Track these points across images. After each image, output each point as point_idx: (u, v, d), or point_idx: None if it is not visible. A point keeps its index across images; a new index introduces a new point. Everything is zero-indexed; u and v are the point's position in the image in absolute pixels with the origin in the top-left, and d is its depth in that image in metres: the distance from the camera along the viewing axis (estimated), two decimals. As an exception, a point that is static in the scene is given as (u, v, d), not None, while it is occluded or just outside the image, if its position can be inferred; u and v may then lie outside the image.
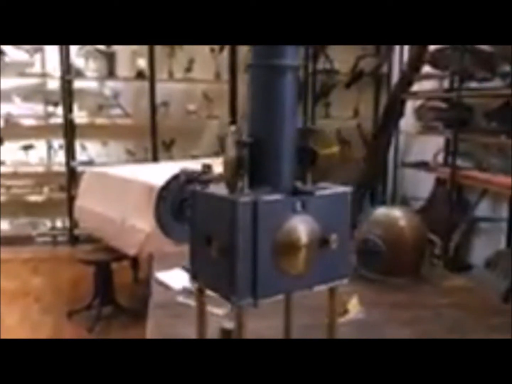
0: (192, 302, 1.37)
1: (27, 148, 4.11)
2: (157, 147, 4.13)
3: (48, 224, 4.32)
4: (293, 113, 0.77)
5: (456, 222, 2.90)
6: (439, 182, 3.28)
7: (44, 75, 4.09)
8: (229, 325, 1.24)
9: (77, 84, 4.12)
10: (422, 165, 3.41)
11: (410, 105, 3.66)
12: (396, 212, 1.64)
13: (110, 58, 4.05)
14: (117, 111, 4.16)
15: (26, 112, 4.05)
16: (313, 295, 1.41)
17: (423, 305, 1.40)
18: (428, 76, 3.42)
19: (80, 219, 2.96)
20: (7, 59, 3.98)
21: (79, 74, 4.06)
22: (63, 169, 4.08)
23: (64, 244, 4.17)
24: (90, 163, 4.10)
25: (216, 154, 4.22)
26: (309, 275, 0.76)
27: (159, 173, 2.93)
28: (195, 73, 4.16)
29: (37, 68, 4.08)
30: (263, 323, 1.20)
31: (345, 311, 1.31)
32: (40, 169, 4.15)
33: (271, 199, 0.72)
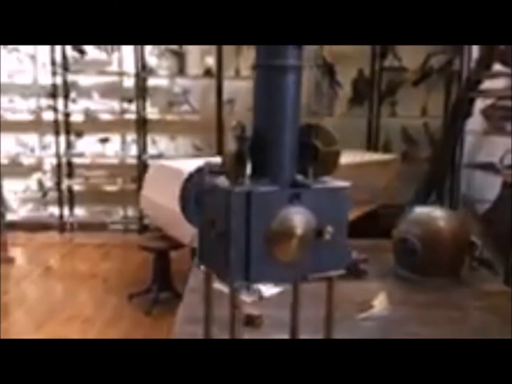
0: (225, 288, 1.45)
1: (103, 141, 4.42)
2: (222, 142, 4.27)
3: (121, 212, 4.61)
4: (295, 110, 0.82)
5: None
6: (505, 185, 3.13)
7: (121, 73, 4.37)
8: (254, 311, 1.32)
9: (150, 82, 4.37)
10: (488, 167, 3.27)
11: (479, 105, 3.52)
12: (436, 212, 1.62)
13: (181, 57, 4.25)
14: (185, 107, 4.36)
15: (103, 107, 4.35)
16: (341, 290, 1.45)
17: (453, 307, 1.39)
18: (498, 74, 3.27)
19: (144, 208, 3.16)
20: (87, 58, 4.31)
21: (152, 72, 4.30)
22: (135, 161, 4.34)
23: (134, 232, 4.44)
24: (159, 156, 4.33)
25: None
26: (303, 264, 0.81)
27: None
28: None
29: (114, 67, 4.37)
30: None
31: (370, 307, 1.34)
32: (115, 161, 4.44)
33: (265, 190, 0.78)
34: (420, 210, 1.64)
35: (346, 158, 3.62)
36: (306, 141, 0.85)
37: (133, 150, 4.38)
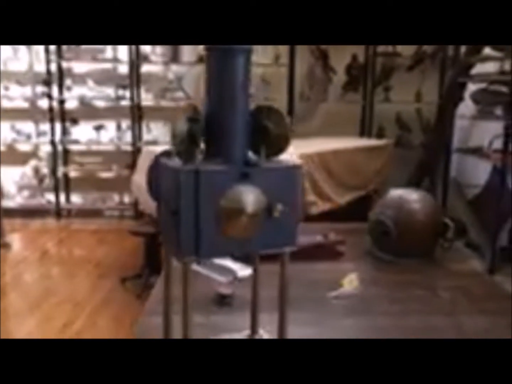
0: (204, 270, 1.49)
1: (98, 128, 4.44)
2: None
3: (116, 199, 4.66)
4: (245, 91, 0.84)
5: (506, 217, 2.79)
6: (495, 170, 3.15)
7: (115, 60, 4.38)
8: (226, 291, 1.35)
9: (144, 68, 4.37)
10: (478, 151, 3.28)
11: (471, 89, 3.52)
12: (410, 195, 1.64)
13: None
14: (179, 94, 4.37)
15: (98, 94, 4.37)
16: (316, 271, 1.48)
17: (423, 286, 1.41)
18: (489, 59, 3.27)
19: (134, 193, 3.20)
20: (82, 45, 4.31)
21: (146, 59, 4.30)
22: (130, 148, 4.37)
23: (130, 218, 4.48)
24: (154, 143, 4.36)
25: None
26: (253, 241, 0.84)
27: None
28: (254, 56, 4.24)
29: (109, 54, 4.38)
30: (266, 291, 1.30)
31: (340, 286, 1.37)
32: (110, 147, 4.47)
33: (213, 169, 0.80)
34: (395, 193, 1.66)
35: (338, 143, 3.64)
36: (258, 123, 0.87)
37: (128, 136, 4.41)
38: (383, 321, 1.20)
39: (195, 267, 1.53)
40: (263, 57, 4.23)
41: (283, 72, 4.21)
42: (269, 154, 0.88)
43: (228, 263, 1.52)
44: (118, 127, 4.50)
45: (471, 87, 3.52)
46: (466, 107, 3.61)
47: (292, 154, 2.92)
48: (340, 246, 1.68)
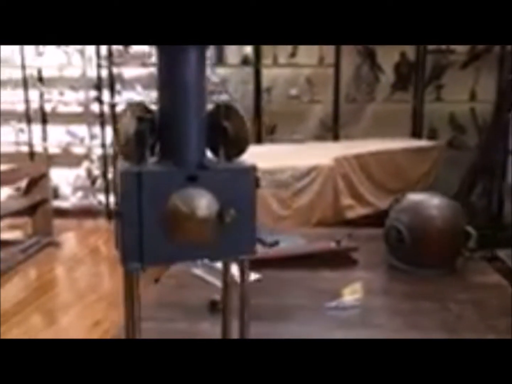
0: (206, 275, 1.46)
1: (146, 131, 4.55)
2: (260, 130, 4.27)
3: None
4: (198, 90, 0.80)
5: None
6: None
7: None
8: (218, 297, 1.32)
9: (190, 72, 4.43)
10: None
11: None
12: (429, 200, 1.53)
13: (219, 46, 4.27)
14: (225, 96, 4.38)
15: (146, 99, 4.48)
16: (324, 279, 1.42)
17: (434, 299, 1.31)
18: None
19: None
20: (131, 51, 4.44)
21: (191, 62, 4.36)
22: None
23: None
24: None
25: (318, 138, 4.23)
26: (205, 247, 0.79)
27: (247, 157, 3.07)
28: (299, 58, 4.19)
29: (154, 58, 4.48)
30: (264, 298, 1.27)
31: (339, 296, 1.29)
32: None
33: (156, 171, 0.77)
34: (412, 197, 1.55)
35: (381, 145, 3.54)
36: (217, 123, 0.83)
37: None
38: (376, 335, 1.11)
39: (195, 271, 1.51)
40: (307, 58, 4.15)
41: (328, 73, 4.11)
42: (229, 156, 0.83)
43: (232, 269, 1.49)
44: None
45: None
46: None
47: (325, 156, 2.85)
48: (353, 253, 1.60)
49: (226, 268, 0.94)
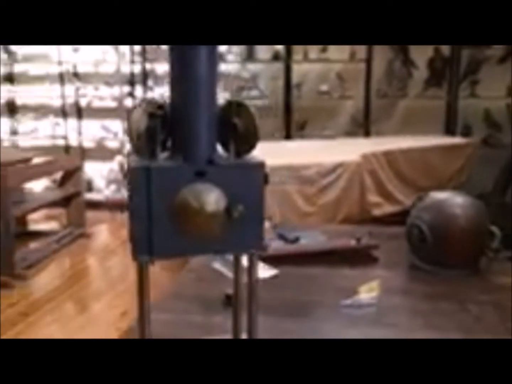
0: (225, 270, 1.48)
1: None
2: (290, 126, 4.26)
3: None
4: (209, 88, 0.81)
5: None
6: None
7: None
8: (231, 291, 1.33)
9: (221, 67, 4.46)
10: None
11: None
12: (453, 198, 1.50)
13: (250, 42, 4.28)
14: (254, 92, 4.39)
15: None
16: (343, 276, 1.41)
17: (453, 299, 1.28)
18: None
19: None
20: (163, 47, 4.50)
21: (222, 58, 4.38)
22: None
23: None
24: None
25: (349, 134, 4.19)
26: (213, 242, 0.81)
27: (274, 153, 3.07)
28: (330, 53, 4.15)
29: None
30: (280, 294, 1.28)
31: (355, 293, 1.28)
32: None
33: (165, 166, 0.78)
34: (435, 195, 1.52)
35: (412, 142, 3.49)
36: (227, 120, 0.84)
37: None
38: (390, 334, 1.10)
39: (215, 265, 1.53)
40: (338, 53, 4.11)
41: (359, 68, 4.06)
42: (239, 152, 0.84)
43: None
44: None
45: None
46: None
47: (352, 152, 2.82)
48: (374, 251, 1.58)
49: (237, 262, 0.96)
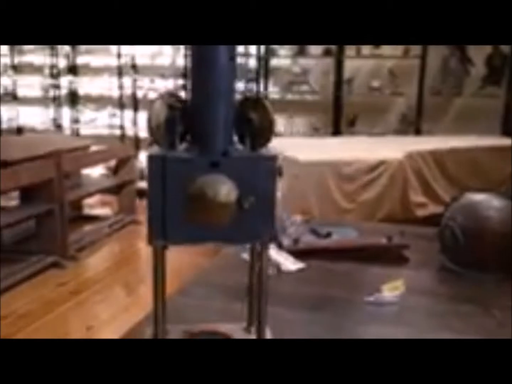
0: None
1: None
2: (339, 122, 4.23)
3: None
4: (227, 82, 0.85)
5: None
6: None
7: (245, 54, 4.57)
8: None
9: (273, 62, 4.49)
10: None
11: None
12: (489, 200, 1.46)
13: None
14: (305, 87, 4.39)
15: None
16: (370, 274, 1.42)
17: (479, 303, 1.26)
18: None
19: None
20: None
21: (273, 52, 4.41)
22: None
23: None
24: (278, 135, 4.45)
25: (399, 132, 4.12)
26: (224, 231, 0.84)
27: (317, 149, 3.07)
28: (384, 49, 4.08)
29: (240, 48, 4.58)
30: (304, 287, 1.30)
31: (377, 290, 1.28)
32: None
33: (180, 156, 0.83)
34: (471, 197, 1.49)
35: (463, 142, 3.38)
36: (244, 114, 0.87)
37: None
38: (406, 333, 1.10)
39: (243, 255, 1.57)
40: (392, 49, 4.03)
41: (413, 64, 3.97)
42: (255, 145, 0.87)
43: (278, 256, 1.53)
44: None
45: None
46: None
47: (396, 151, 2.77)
48: (405, 250, 1.57)
49: (253, 252, 0.99)
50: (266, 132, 0.87)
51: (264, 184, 0.84)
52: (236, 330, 1.00)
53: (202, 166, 0.83)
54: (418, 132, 4.00)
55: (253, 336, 0.96)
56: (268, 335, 0.95)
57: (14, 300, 2.88)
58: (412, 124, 4.06)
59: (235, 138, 0.89)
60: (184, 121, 0.86)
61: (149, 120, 0.85)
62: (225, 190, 0.82)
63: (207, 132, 0.85)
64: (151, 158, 0.82)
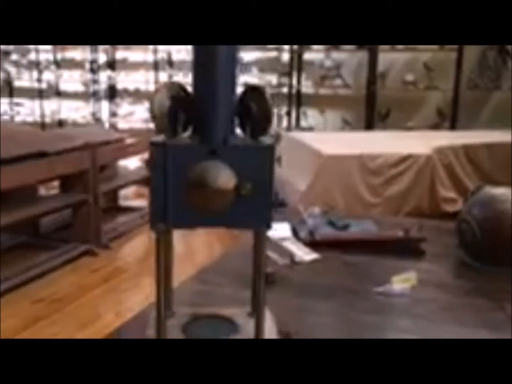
0: (267, 250, 1.54)
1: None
2: (373, 117, 4.18)
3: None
4: (229, 73, 0.87)
5: None
6: None
7: (279, 49, 4.58)
8: (269, 270, 1.39)
9: (306, 56, 4.47)
10: None
11: None
12: (506, 194, 1.43)
13: (335, 30, 4.24)
14: (338, 81, 4.36)
15: (261, 81, 4.63)
16: (385, 266, 1.42)
17: (492, 297, 1.24)
18: None
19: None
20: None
21: (307, 47, 4.39)
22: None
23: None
24: (310, 129, 4.45)
25: (434, 127, 4.04)
26: (222, 216, 0.87)
27: (344, 142, 3.06)
28: (418, 41, 4.00)
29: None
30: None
31: (387, 282, 1.29)
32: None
33: (181, 144, 0.86)
34: (490, 190, 1.46)
35: (499, 137, 3.28)
36: (244, 103, 0.90)
37: (284, 122, 4.58)
38: (412, 325, 1.10)
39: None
40: (427, 41, 3.95)
41: (449, 57, 3.88)
42: (254, 134, 0.90)
43: (293, 247, 1.55)
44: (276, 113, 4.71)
45: None
46: None
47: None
48: (422, 244, 1.56)
49: (258, 240, 1.01)
50: (264, 121, 0.89)
51: (261, 172, 0.86)
52: (239, 314, 1.03)
53: (201, 153, 0.85)
54: (453, 127, 3.91)
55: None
56: (268, 319, 0.97)
57: (50, 284, 3.01)
58: (448, 119, 3.97)
59: (238, 127, 0.92)
60: (187, 110, 0.89)
61: (152, 109, 0.88)
62: (223, 177, 0.85)
63: (208, 120, 0.88)
64: (152, 145, 0.85)
